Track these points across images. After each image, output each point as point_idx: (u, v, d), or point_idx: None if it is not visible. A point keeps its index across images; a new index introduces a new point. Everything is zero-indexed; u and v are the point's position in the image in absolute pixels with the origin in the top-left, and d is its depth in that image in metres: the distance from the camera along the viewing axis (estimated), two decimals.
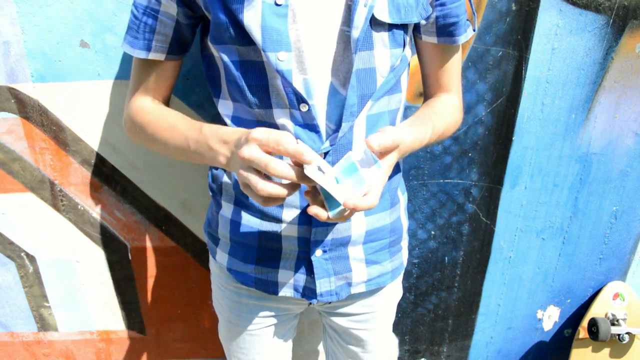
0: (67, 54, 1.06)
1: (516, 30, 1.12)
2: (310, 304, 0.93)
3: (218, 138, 0.71)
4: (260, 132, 0.62)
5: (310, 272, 0.86)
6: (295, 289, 0.89)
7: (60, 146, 1.16)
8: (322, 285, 0.87)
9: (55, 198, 1.23)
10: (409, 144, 0.74)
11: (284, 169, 0.61)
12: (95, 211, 1.25)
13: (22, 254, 1.30)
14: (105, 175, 1.21)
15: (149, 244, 1.30)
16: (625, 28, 1.14)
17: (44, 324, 1.41)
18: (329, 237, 0.83)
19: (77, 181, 1.21)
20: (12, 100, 1.11)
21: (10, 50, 1.05)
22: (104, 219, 1.26)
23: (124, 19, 1.03)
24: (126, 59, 1.07)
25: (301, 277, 0.87)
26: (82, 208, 1.25)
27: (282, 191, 0.62)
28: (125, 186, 1.22)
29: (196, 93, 1.12)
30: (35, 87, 1.09)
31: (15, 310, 1.38)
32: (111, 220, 1.27)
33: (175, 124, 0.78)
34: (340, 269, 0.87)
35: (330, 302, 0.94)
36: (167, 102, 0.88)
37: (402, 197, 0.95)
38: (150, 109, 0.82)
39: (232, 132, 0.71)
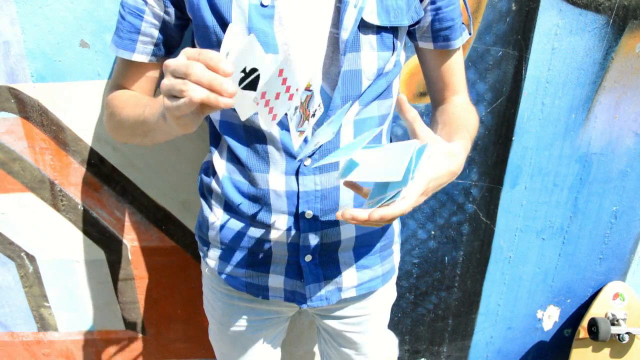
0: (67, 54, 1.06)
1: (516, 30, 1.12)
2: (301, 307, 0.93)
3: None
4: (190, 49, 0.54)
5: (300, 277, 0.86)
6: (286, 294, 0.88)
7: (60, 146, 1.16)
8: (312, 290, 0.87)
9: (55, 198, 1.23)
10: (463, 158, 0.68)
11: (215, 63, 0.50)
12: (95, 211, 1.25)
13: (22, 254, 1.30)
14: (105, 175, 1.21)
15: (149, 244, 1.30)
16: (625, 28, 1.14)
17: (44, 324, 1.41)
18: (319, 242, 0.83)
19: (77, 181, 1.21)
20: (12, 100, 1.11)
21: (10, 50, 1.05)
22: (104, 219, 1.26)
23: None
24: None
25: (291, 282, 0.87)
26: (82, 208, 1.25)
27: (216, 76, 0.50)
28: (125, 186, 1.22)
29: None
30: (35, 87, 1.09)
31: (15, 310, 1.38)
32: (111, 220, 1.27)
33: (140, 99, 0.76)
34: (330, 274, 0.87)
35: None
36: None
37: None
38: (122, 93, 0.81)
39: None
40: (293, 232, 0.82)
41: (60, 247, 1.29)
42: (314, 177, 0.78)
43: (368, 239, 0.88)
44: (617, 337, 1.43)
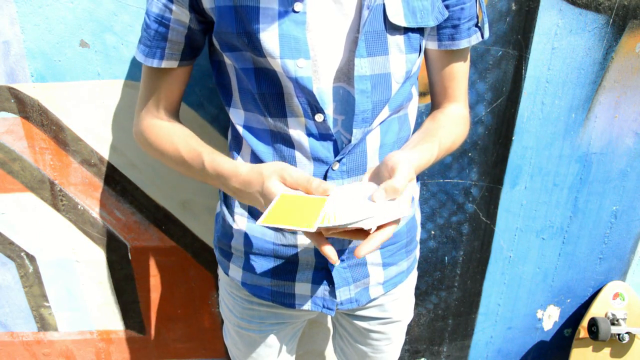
0: (67, 53, 1.06)
1: (516, 30, 1.12)
2: (329, 315, 0.92)
3: (220, 178, 0.74)
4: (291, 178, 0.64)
5: (329, 282, 0.85)
6: (314, 302, 0.87)
7: (60, 146, 1.16)
8: (342, 294, 0.86)
9: (55, 198, 1.22)
10: (417, 165, 0.72)
11: None
12: (95, 211, 1.25)
13: (22, 254, 1.30)
14: (105, 175, 1.21)
15: (149, 244, 1.30)
16: (625, 28, 1.14)
17: (44, 324, 1.41)
18: (346, 245, 0.82)
19: (77, 181, 1.21)
20: (12, 100, 1.11)
21: (10, 50, 1.05)
22: (104, 219, 1.26)
23: (124, 19, 1.03)
24: (125, 59, 1.07)
25: (319, 288, 0.86)
26: (82, 208, 1.25)
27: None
28: (125, 186, 1.22)
29: (196, 93, 1.12)
30: (35, 87, 1.09)
31: (15, 310, 1.38)
32: (111, 220, 1.27)
33: (186, 143, 0.79)
34: (358, 275, 0.86)
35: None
36: (178, 107, 0.87)
37: (416, 188, 0.94)
38: (158, 126, 0.82)
39: (238, 174, 0.72)
40: None
41: (60, 247, 1.29)
42: (342, 181, 0.78)
43: (394, 237, 0.87)
44: (617, 337, 1.43)
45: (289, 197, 0.62)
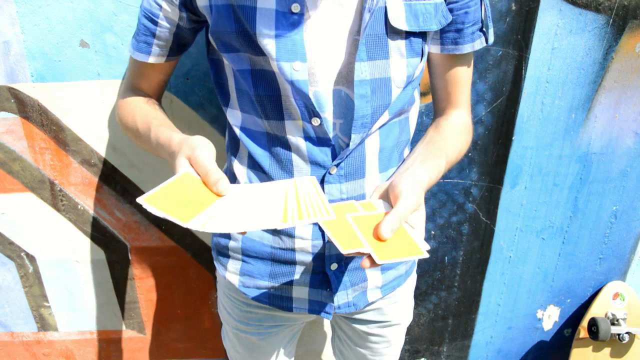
0: (67, 53, 1.06)
1: (516, 30, 1.12)
2: (327, 318, 0.91)
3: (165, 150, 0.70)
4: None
5: (326, 286, 0.85)
6: (310, 305, 0.87)
7: (60, 146, 1.16)
8: (340, 298, 0.86)
9: (55, 198, 1.23)
10: (426, 186, 0.68)
11: None
12: (95, 211, 1.25)
13: (22, 254, 1.30)
14: (105, 175, 1.21)
15: (149, 244, 1.30)
16: (625, 28, 1.14)
17: (44, 324, 1.41)
18: None
19: (77, 181, 1.21)
20: (12, 100, 1.11)
21: (10, 50, 1.05)
22: (104, 219, 1.26)
23: (124, 19, 1.03)
24: (125, 59, 1.07)
25: (317, 292, 0.86)
26: (82, 208, 1.25)
27: None
28: (125, 186, 1.22)
29: (196, 93, 1.12)
30: (35, 87, 1.09)
31: (15, 310, 1.38)
32: (111, 220, 1.27)
33: (147, 117, 0.77)
34: (356, 279, 0.86)
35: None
36: (160, 94, 0.88)
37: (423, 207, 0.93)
38: (128, 102, 0.82)
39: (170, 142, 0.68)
40: (318, 241, 0.80)
41: (60, 247, 1.29)
42: (339, 185, 0.77)
43: None
44: (617, 337, 1.43)
45: (189, 179, 0.57)
